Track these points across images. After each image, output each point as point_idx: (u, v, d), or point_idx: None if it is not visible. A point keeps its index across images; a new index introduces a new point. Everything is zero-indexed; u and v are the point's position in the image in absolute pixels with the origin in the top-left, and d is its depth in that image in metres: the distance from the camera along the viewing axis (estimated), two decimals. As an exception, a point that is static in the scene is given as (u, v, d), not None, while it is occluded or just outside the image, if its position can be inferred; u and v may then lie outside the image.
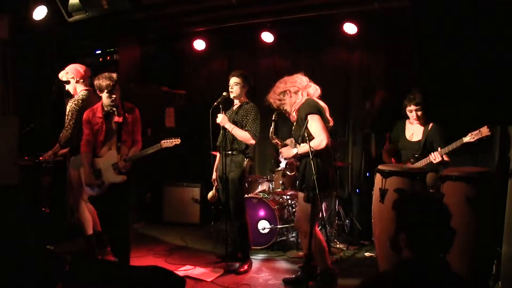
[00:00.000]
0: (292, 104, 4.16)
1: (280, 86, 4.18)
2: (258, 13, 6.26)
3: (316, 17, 6.17)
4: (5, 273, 3.64)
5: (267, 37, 6.61)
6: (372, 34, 6.16)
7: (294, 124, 4.18)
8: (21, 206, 5.20)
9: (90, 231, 4.87)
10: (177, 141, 4.65)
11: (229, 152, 4.74)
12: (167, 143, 4.61)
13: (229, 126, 4.66)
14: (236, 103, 4.86)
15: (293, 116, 4.14)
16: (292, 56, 6.89)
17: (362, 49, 6.36)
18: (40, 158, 5.02)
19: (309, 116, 3.93)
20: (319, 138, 3.90)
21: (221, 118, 4.69)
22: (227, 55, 7.39)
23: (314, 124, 3.94)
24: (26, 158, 5.11)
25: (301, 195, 4.02)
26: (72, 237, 5.42)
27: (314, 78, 6.32)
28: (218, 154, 5.01)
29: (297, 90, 4.14)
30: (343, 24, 6.02)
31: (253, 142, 4.70)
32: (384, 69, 6.19)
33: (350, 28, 6.03)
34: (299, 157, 4.12)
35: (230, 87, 4.76)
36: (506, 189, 3.80)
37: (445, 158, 4.30)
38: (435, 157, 4.29)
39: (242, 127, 4.68)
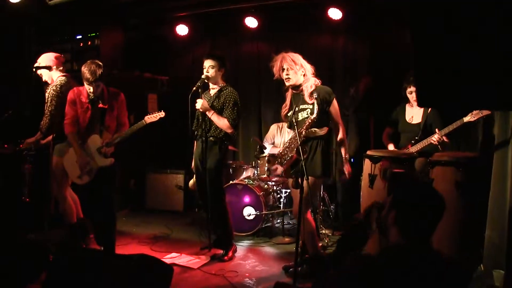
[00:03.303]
0: (297, 81, 4.11)
1: (299, 60, 4.10)
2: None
3: (300, 2, 6.12)
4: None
5: (251, 22, 6.53)
6: (357, 19, 6.12)
7: (309, 106, 4.05)
8: (0, 195, 5.11)
9: (73, 220, 4.80)
10: (161, 114, 4.59)
11: (206, 139, 4.61)
12: (151, 117, 4.54)
13: (209, 113, 4.54)
14: (214, 87, 4.69)
15: (309, 97, 4.05)
16: (276, 42, 6.81)
17: (346, 35, 6.34)
18: (21, 145, 4.91)
19: (335, 101, 4.08)
20: (340, 122, 4.14)
21: (201, 104, 4.54)
22: (210, 40, 7.30)
23: (337, 109, 4.12)
24: (5, 146, 5.00)
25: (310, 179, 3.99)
26: (54, 226, 5.34)
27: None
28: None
29: (307, 75, 4.13)
30: (327, 9, 5.97)
31: (231, 131, 4.57)
32: (368, 55, 6.18)
33: (334, 13, 5.98)
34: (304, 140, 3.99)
35: (205, 70, 4.58)
36: (490, 174, 3.85)
37: (445, 139, 4.34)
38: (436, 139, 4.33)
39: (220, 113, 4.56)
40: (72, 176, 4.56)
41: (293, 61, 4.07)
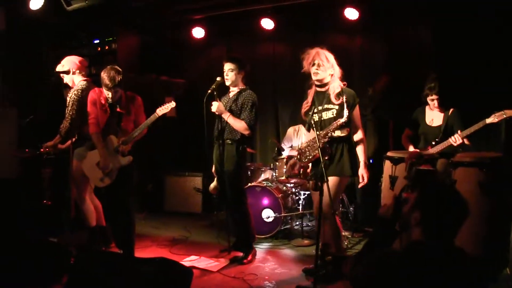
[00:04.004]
0: (323, 79, 4.07)
1: (331, 59, 4.07)
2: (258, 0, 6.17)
3: (317, 3, 6.08)
4: (11, 266, 3.62)
5: (267, 23, 6.52)
6: (374, 19, 6.08)
7: (335, 107, 4.02)
8: (22, 199, 5.17)
9: (93, 223, 4.83)
10: (172, 104, 4.56)
11: (223, 141, 4.59)
12: (163, 109, 4.50)
13: (225, 115, 4.51)
14: (233, 90, 4.65)
15: (336, 98, 4.03)
16: (292, 43, 6.81)
17: (363, 35, 6.29)
18: (41, 150, 4.96)
19: (358, 106, 4.07)
20: (360, 127, 4.13)
21: (216, 107, 4.50)
22: (226, 42, 7.31)
23: (358, 113, 4.11)
24: (26, 150, 5.06)
25: (336, 179, 3.99)
26: (75, 229, 5.39)
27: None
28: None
29: (334, 76, 4.10)
30: (344, 9, 5.94)
31: (248, 132, 4.53)
32: (385, 55, 6.12)
33: (351, 14, 5.95)
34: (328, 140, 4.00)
35: (225, 73, 4.55)
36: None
37: (466, 142, 4.29)
38: (455, 139, 4.27)
39: (237, 116, 4.53)
40: (93, 180, 4.55)
41: (326, 58, 4.05)
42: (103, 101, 4.46)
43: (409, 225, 2.06)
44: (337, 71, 4.10)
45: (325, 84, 4.10)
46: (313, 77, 4.11)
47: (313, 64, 4.06)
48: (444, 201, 2.01)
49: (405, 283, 1.92)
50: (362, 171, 4.06)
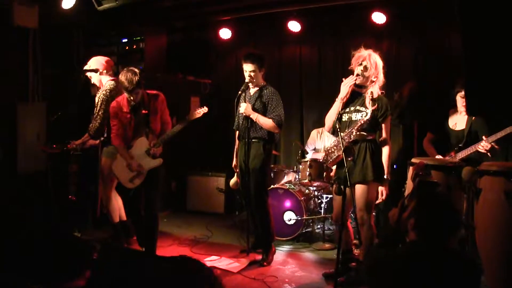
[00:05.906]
0: (364, 83, 4.01)
1: (379, 68, 4.00)
2: (285, 2, 6.16)
3: (344, 6, 6.06)
4: (33, 258, 3.69)
5: (294, 26, 6.52)
6: (402, 23, 6.03)
7: (367, 111, 3.92)
8: (49, 192, 5.28)
9: (117, 219, 4.91)
10: (205, 109, 4.59)
11: (250, 140, 4.60)
12: (195, 114, 4.55)
13: (254, 116, 4.53)
14: (253, 86, 4.65)
15: (371, 103, 3.94)
16: (318, 46, 6.82)
17: (390, 39, 6.24)
18: (68, 146, 5.05)
19: (389, 118, 4.06)
20: (388, 141, 4.09)
21: (245, 108, 4.54)
22: (253, 44, 7.32)
23: (389, 126, 4.09)
24: (54, 146, 5.16)
25: (363, 188, 3.94)
26: (99, 225, 5.48)
27: (341, 68, 6.30)
28: (237, 140, 4.89)
29: (375, 83, 4.02)
30: (371, 13, 5.90)
31: (278, 131, 4.58)
32: (413, 59, 6.07)
33: (378, 17, 5.91)
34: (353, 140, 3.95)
35: (246, 74, 4.54)
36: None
37: (495, 146, 4.24)
38: (483, 146, 4.23)
39: (263, 114, 4.54)
40: (123, 181, 4.56)
41: (376, 63, 3.98)
42: (124, 109, 4.42)
43: (406, 229, 2.27)
44: (380, 79, 4.01)
45: (364, 87, 4.04)
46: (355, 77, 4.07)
47: (360, 64, 4.00)
48: (439, 218, 2.18)
49: (396, 274, 2.17)
50: (382, 187, 4.00)
